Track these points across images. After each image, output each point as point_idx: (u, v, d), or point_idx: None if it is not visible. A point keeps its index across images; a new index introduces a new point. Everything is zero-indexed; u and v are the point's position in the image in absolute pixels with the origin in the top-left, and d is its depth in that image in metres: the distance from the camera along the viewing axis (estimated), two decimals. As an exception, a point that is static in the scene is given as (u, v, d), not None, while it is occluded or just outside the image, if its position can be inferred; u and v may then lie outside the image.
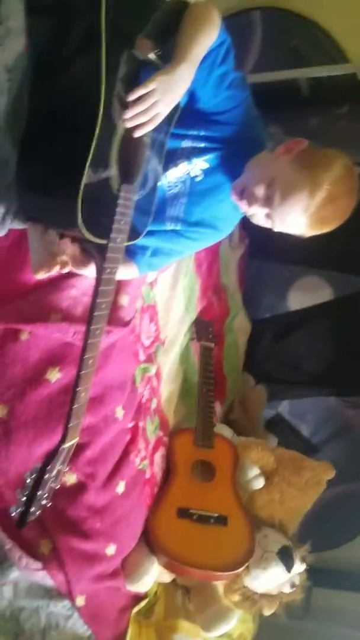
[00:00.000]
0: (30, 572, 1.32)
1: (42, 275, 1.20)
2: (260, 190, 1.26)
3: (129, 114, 1.02)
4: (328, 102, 2.56)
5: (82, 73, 1.01)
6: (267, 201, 1.25)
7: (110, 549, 1.42)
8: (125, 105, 1.03)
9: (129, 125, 1.04)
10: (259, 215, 1.30)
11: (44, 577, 1.33)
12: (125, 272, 1.40)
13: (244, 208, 1.31)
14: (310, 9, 2.33)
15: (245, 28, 2.46)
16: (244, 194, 1.29)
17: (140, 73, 1.07)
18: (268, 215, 1.28)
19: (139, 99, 1.02)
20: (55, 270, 1.19)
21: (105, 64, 0.97)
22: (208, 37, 1.13)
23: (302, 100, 2.51)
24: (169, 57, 1.09)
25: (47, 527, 1.33)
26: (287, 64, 2.48)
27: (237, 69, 1.29)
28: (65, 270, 1.21)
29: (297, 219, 1.24)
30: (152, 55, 1.04)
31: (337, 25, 2.32)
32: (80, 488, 1.37)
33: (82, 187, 0.98)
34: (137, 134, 1.06)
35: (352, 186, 1.24)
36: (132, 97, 1.02)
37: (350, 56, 2.36)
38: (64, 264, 1.17)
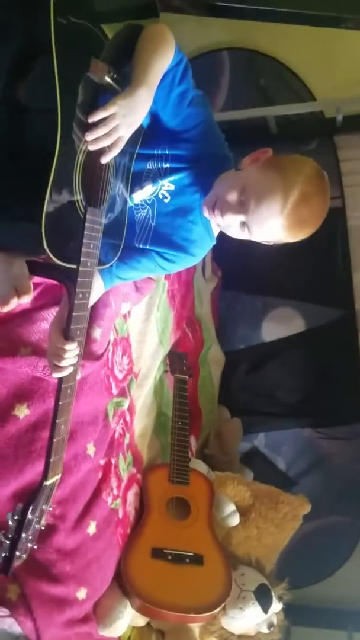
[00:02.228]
0: (-3, 620, 1.26)
1: (7, 309, 1.18)
2: (232, 196, 1.23)
3: (90, 136, 1.02)
4: (296, 139, 2.63)
5: (37, 97, 1.02)
6: (242, 207, 1.22)
7: (81, 593, 1.36)
8: (86, 129, 1.02)
9: (92, 148, 1.03)
10: (233, 226, 1.26)
11: (11, 625, 1.27)
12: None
13: (218, 220, 1.27)
14: (277, 48, 2.41)
15: (214, 68, 2.53)
16: (216, 206, 1.26)
17: (97, 97, 1.07)
18: (244, 224, 1.24)
19: (100, 121, 1.02)
20: (13, 305, 1.17)
21: (59, 87, 0.97)
22: (164, 58, 1.14)
23: (270, 137, 2.58)
24: (125, 80, 1.09)
25: (15, 571, 1.27)
26: (255, 102, 2.56)
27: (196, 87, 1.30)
28: (25, 300, 1.19)
29: (274, 221, 1.20)
30: (107, 79, 1.04)
31: (304, 64, 2.41)
32: (49, 530, 1.31)
33: (44, 210, 0.97)
34: (104, 160, 1.06)
35: (324, 186, 1.22)
36: (92, 119, 1.02)
37: (316, 94, 2.43)
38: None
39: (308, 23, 1.92)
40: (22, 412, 1.27)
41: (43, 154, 0.98)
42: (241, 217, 1.23)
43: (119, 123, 1.03)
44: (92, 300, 1.39)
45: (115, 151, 1.07)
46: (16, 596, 1.26)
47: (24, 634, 1.27)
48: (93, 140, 1.03)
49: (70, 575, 1.33)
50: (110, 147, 1.05)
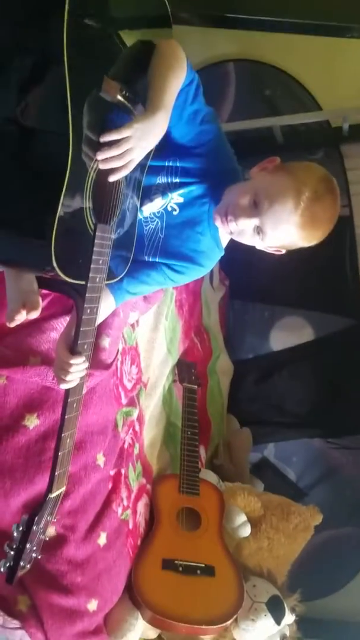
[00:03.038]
0: (7, 631, 1.25)
1: (13, 325, 1.18)
2: (244, 200, 1.23)
3: (101, 155, 1.01)
4: (302, 149, 2.63)
5: (49, 114, 1.02)
6: (255, 210, 1.22)
7: (92, 605, 1.35)
8: (97, 147, 1.02)
9: (103, 167, 1.03)
10: (247, 231, 1.26)
11: (22, 636, 1.25)
12: (102, 304, 1.36)
13: (232, 226, 1.27)
14: (282, 59, 2.42)
15: (220, 79, 2.54)
16: (228, 212, 1.26)
17: (109, 115, 1.07)
18: (257, 228, 1.24)
19: (114, 142, 1.02)
20: (20, 321, 1.18)
21: (71, 105, 0.96)
22: (178, 77, 1.15)
23: (276, 147, 2.58)
24: (137, 97, 1.09)
25: (25, 582, 1.26)
26: (261, 113, 2.56)
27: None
28: (33, 316, 1.20)
29: (288, 220, 1.19)
30: (120, 97, 1.04)
31: (309, 74, 2.41)
32: (59, 541, 1.31)
33: (55, 227, 0.97)
34: (112, 179, 1.06)
35: (334, 188, 1.22)
36: (104, 139, 1.01)
37: (322, 103, 2.44)
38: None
39: (314, 33, 1.93)
40: (32, 422, 1.27)
41: (54, 171, 0.97)
42: (255, 220, 1.23)
43: (133, 146, 1.03)
44: (103, 317, 1.40)
45: (125, 172, 1.06)
46: (27, 608, 1.25)
47: (34, 646, 1.26)
48: (104, 160, 1.02)
49: (81, 586, 1.32)
50: (120, 168, 1.05)
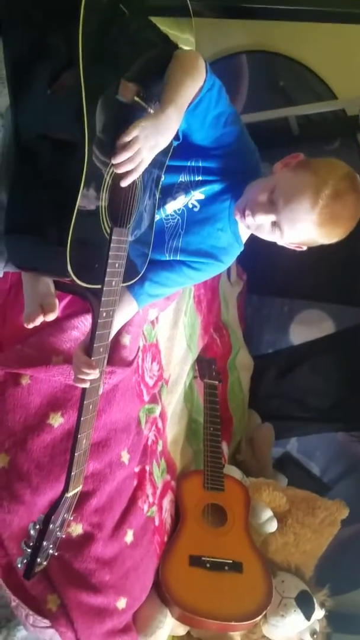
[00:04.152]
0: (38, 631, 1.26)
1: (30, 326, 1.19)
2: (263, 197, 1.23)
3: (114, 160, 1.01)
4: (318, 139, 2.60)
5: (65, 121, 1.01)
6: (272, 206, 1.21)
7: (121, 603, 1.35)
8: (111, 151, 1.01)
9: (118, 171, 1.03)
10: (265, 226, 1.26)
11: (53, 636, 1.26)
12: (124, 310, 1.36)
13: (249, 221, 1.27)
14: (296, 49, 2.39)
15: (233, 71, 2.52)
16: (247, 207, 1.26)
17: (125, 118, 1.06)
18: (275, 224, 1.23)
19: (125, 145, 1.00)
20: (38, 323, 1.19)
21: (86, 110, 0.95)
22: (194, 82, 1.15)
23: (292, 138, 2.55)
24: (153, 97, 1.09)
25: (54, 581, 1.27)
26: (276, 104, 2.54)
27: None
28: (50, 318, 1.21)
29: (305, 218, 1.17)
30: (136, 98, 1.04)
31: (324, 63, 2.38)
32: (87, 539, 1.31)
33: (70, 233, 0.96)
34: (123, 183, 1.04)
35: (357, 186, 1.20)
36: (118, 143, 1.00)
37: (338, 92, 2.40)
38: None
39: (326, 20, 1.89)
40: (57, 421, 1.27)
41: (72, 177, 0.97)
42: (272, 217, 1.22)
43: (141, 146, 1.01)
44: (125, 321, 1.40)
45: (136, 175, 1.05)
46: (56, 607, 1.25)
47: (65, 645, 1.26)
48: (118, 164, 1.01)
49: (110, 584, 1.32)
50: (131, 171, 1.03)
